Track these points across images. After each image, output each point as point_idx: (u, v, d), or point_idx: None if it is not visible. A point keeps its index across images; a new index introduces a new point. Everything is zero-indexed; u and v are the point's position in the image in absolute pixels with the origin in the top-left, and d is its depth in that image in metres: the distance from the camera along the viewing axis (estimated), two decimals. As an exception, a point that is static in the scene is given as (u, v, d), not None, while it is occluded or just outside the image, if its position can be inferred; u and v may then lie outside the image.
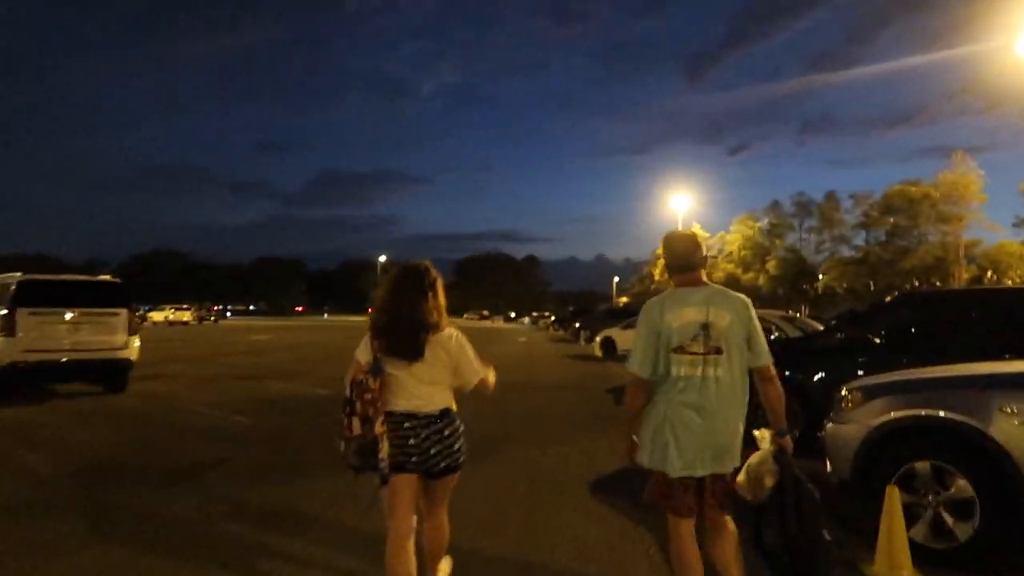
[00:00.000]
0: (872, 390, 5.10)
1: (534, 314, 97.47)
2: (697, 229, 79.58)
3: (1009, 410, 4.37)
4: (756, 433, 3.38)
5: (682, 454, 3.11)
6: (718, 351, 3.11)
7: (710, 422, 3.10)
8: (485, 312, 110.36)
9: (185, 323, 61.26)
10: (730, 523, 3.29)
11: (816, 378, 7.98)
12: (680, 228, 73.03)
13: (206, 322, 67.10)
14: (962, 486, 4.46)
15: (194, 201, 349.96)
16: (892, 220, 63.49)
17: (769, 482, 3.24)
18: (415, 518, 3.44)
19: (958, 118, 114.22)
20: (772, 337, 13.87)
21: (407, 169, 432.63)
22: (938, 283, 60.37)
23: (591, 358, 24.02)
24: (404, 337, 3.22)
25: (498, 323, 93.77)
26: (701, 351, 3.11)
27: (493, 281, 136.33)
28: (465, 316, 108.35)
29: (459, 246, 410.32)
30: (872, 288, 62.37)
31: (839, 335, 8.40)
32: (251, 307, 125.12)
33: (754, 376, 3.26)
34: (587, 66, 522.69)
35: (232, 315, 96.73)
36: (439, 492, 3.49)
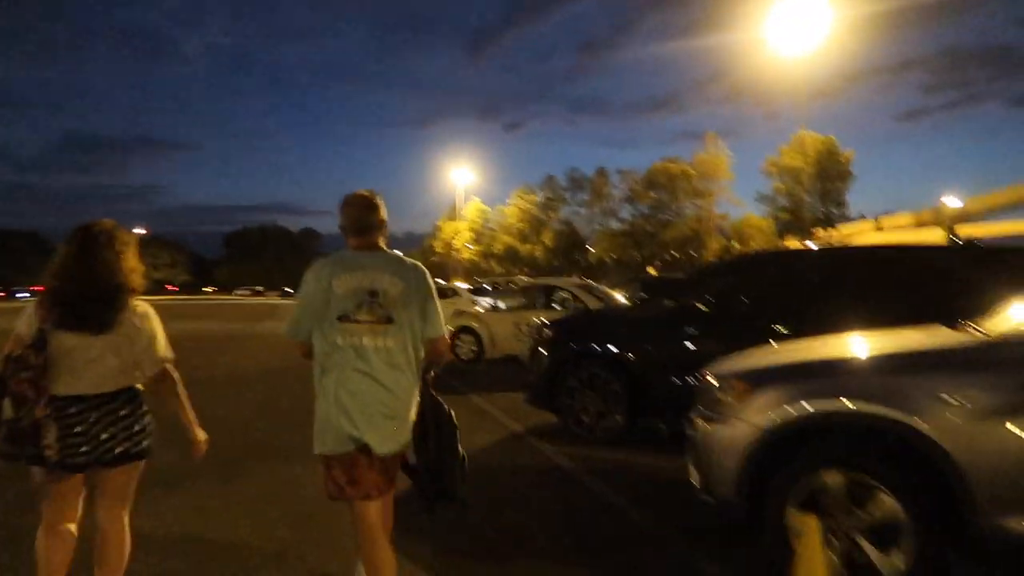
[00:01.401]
0: (759, 376, 3.79)
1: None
2: (477, 203, 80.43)
3: (952, 399, 3.19)
4: None
5: (356, 422, 2.84)
6: (388, 320, 2.88)
7: (379, 391, 2.86)
8: (259, 288, 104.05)
9: None
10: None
11: (638, 354, 6.79)
12: (459, 202, 72.19)
13: None
14: (888, 505, 3.25)
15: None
16: (654, 195, 67.42)
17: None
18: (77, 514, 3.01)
19: (706, 106, 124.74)
20: (572, 308, 12.85)
21: (171, 135, 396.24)
22: (693, 253, 65.34)
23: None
24: (95, 306, 2.84)
25: (273, 298, 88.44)
26: (368, 319, 2.86)
27: (268, 255, 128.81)
28: (235, 292, 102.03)
29: (231, 218, 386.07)
30: (640, 259, 65.81)
31: (668, 303, 7.22)
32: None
33: (427, 348, 3.06)
34: (368, 36, 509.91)
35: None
36: (117, 486, 3.01)
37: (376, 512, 2.93)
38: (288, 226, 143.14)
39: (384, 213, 3.07)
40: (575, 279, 14.92)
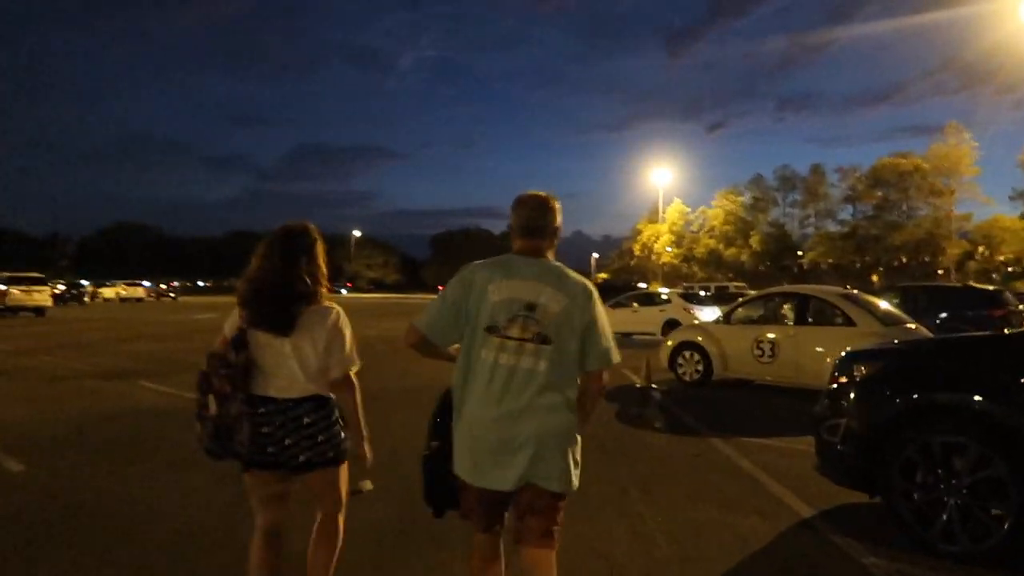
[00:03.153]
0: None
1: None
2: (679, 204, 76.99)
3: None
4: None
5: (475, 456, 2.49)
6: (543, 340, 2.47)
7: (514, 423, 2.45)
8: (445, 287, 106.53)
9: (139, 299, 56.69)
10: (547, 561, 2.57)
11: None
12: (660, 204, 69.25)
13: (164, 298, 62.99)
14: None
15: (167, 176, 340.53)
16: (880, 194, 60.61)
17: None
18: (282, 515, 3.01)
19: (934, 96, 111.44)
20: (847, 324, 9.84)
21: (385, 144, 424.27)
22: (927, 259, 57.58)
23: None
24: (269, 307, 2.79)
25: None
26: (520, 336, 2.45)
27: (470, 256, 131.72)
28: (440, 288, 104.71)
29: (437, 222, 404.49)
30: (860, 265, 59.28)
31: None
32: (225, 283, 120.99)
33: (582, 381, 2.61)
34: (566, 41, 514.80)
35: (191, 290, 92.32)
36: (318, 489, 2.99)
37: (488, 547, 2.63)
38: (490, 228, 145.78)
39: (559, 219, 2.69)
40: (835, 288, 11.66)
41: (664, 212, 73.90)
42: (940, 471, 4.21)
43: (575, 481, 2.60)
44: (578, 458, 2.63)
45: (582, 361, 2.56)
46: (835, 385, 5.01)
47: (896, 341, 5.54)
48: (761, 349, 10.45)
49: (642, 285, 49.52)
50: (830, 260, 63.28)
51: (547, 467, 2.51)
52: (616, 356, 2.60)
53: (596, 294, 2.60)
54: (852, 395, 4.74)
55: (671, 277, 67.36)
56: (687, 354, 11.38)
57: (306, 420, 2.82)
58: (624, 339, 20.88)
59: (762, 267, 68.84)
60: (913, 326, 10.01)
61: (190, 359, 14.45)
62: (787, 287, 13.64)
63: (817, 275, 64.13)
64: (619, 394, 10.51)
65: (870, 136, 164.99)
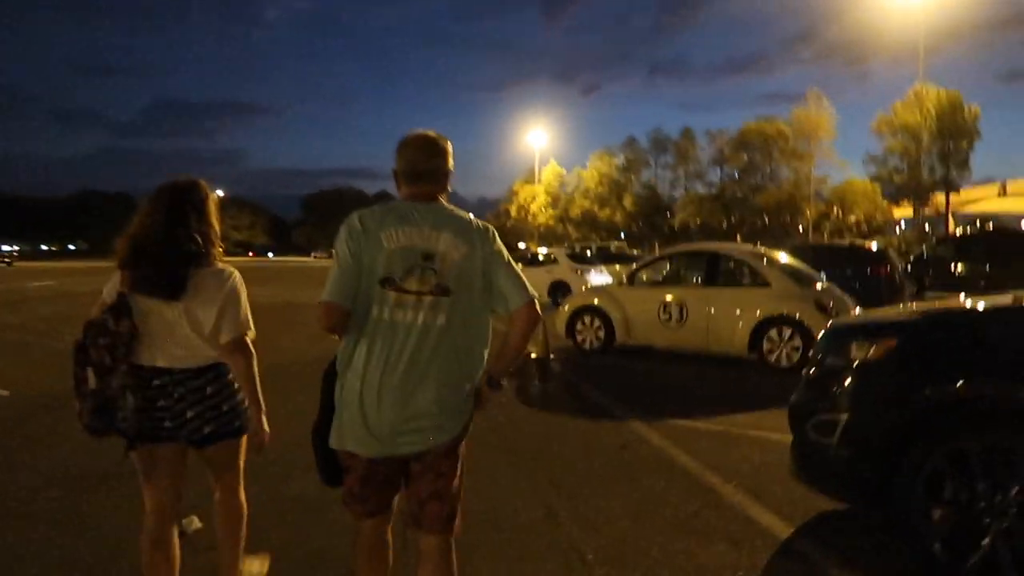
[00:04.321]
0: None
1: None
2: (554, 166, 76.68)
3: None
4: None
5: (367, 425, 2.20)
6: (444, 292, 2.21)
7: (415, 386, 2.19)
8: (334, 250, 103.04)
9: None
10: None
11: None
12: (536, 165, 68.79)
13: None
14: None
15: (8, 129, 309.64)
16: (746, 157, 62.51)
17: None
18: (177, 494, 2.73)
19: (793, 67, 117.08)
20: (760, 285, 8.93)
21: (255, 100, 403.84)
22: (788, 219, 59.98)
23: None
24: (154, 269, 2.55)
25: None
26: (419, 288, 2.19)
27: (343, 218, 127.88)
28: (313, 255, 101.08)
29: (310, 182, 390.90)
30: (727, 225, 61.10)
31: None
32: (71, 247, 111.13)
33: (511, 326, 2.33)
34: (445, 0, 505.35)
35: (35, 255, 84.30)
36: (217, 463, 2.77)
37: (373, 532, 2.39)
38: (365, 189, 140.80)
39: (450, 162, 2.37)
40: (746, 246, 10.71)
41: (540, 174, 73.49)
42: (980, 485, 3.12)
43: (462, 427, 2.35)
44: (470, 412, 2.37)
45: (499, 305, 2.33)
46: (818, 369, 3.84)
47: (913, 308, 4.38)
48: (668, 313, 9.43)
49: (521, 246, 48.81)
50: (699, 220, 64.82)
51: (447, 431, 2.29)
52: (533, 290, 2.35)
53: (495, 233, 2.37)
54: (852, 383, 3.56)
55: (547, 238, 67.34)
56: (586, 319, 10.22)
57: (209, 390, 2.65)
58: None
59: (635, 227, 70.03)
60: (827, 285, 9.27)
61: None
62: (695, 244, 12.71)
63: (687, 235, 65.85)
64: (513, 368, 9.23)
65: (734, 103, 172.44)
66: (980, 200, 50.05)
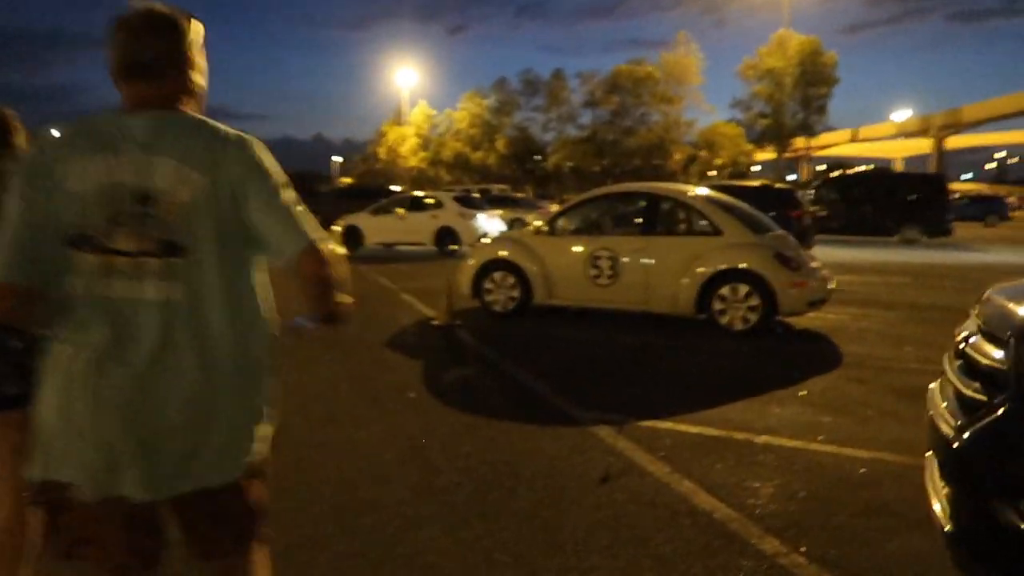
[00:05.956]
0: None
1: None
2: (424, 107, 73.62)
3: None
4: None
5: (89, 453, 1.47)
6: (172, 250, 1.48)
7: (145, 394, 1.46)
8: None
9: None
10: None
11: None
12: (405, 106, 66.19)
13: None
14: None
15: None
16: (617, 99, 62.08)
17: None
18: None
19: (655, 12, 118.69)
20: (710, 234, 7.38)
21: (90, 30, 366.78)
22: (659, 162, 60.35)
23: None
24: None
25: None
26: (133, 248, 1.47)
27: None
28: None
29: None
30: (600, 168, 60.83)
31: None
32: None
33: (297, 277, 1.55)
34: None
35: None
36: (15, 434, 2.12)
37: None
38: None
39: (193, 49, 1.62)
40: (689, 187, 8.90)
41: (409, 115, 70.68)
42: None
43: (257, 453, 1.61)
44: (263, 431, 1.62)
45: (268, 254, 1.58)
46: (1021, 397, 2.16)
47: None
48: (598, 267, 7.72)
49: (396, 188, 46.09)
50: (571, 164, 64.24)
51: (211, 456, 1.54)
52: (321, 231, 1.56)
53: (258, 149, 1.57)
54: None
55: (419, 181, 65.13)
56: (497, 276, 8.34)
57: (13, 344, 2.22)
58: (389, 252, 17.52)
59: (508, 170, 68.82)
60: (782, 232, 7.85)
61: None
62: (630, 185, 10.95)
63: (559, 178, 65.25)
64: (414, 339, 7.25)
65: (599, 47, 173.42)
66: (834, 145, 52.11)
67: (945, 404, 2.54)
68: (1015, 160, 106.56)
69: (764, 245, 7.22)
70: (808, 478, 3.66)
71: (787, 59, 46.35)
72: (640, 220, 7.93)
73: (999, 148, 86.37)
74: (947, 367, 2.70)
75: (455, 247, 16.51)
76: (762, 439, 4.23)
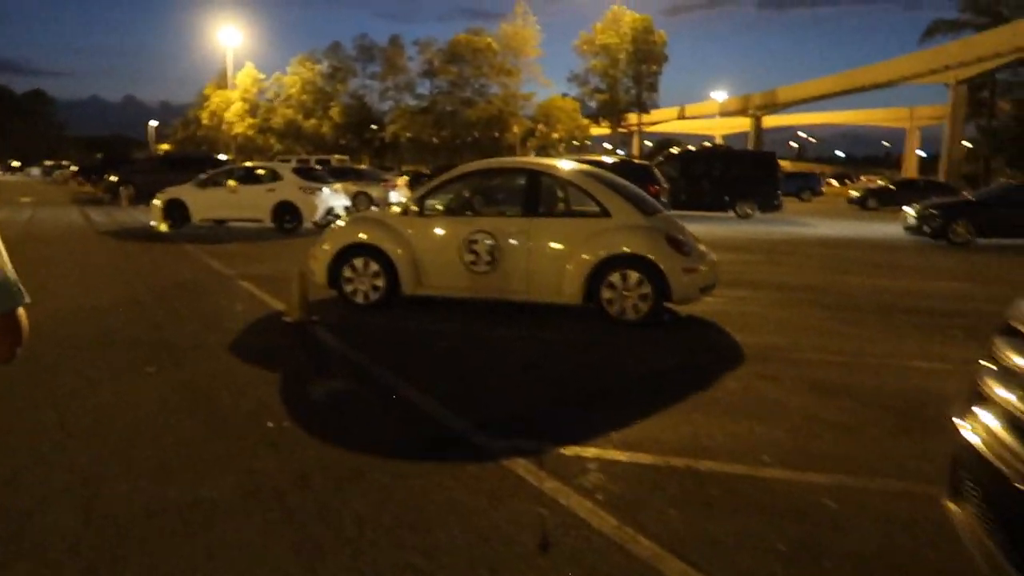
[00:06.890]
0: None
1: (48, 163, 75.12)
2: (251, 70, 68.53)
3: None
4: None
5: None
6: None
7: None
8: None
9: None
10: None
11: None
12: (229, 68, 61.91)
13: None
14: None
15: None
16: (456, 70, 60.99)
17: None
18: None
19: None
20: (598, 215, 6.68)
21: None
22: (497, 135, 60.03)
23: (147, 235, 14.61)
24: None
25: (-6, 175, 71.00)
26: None
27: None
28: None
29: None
30: (439, 140, 59.65)
31: None
32: None
33: None
34: None
35: None
36: None
37: None
38: (12, 87, 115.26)
39: None
40: (572, 164, 8.03)
41: (234, 78, 65.69)
42: None
43: None
44: None
45: None
46: None
47: None
48: (475, 252, 6.85)
49: (222, 157, 42.44)
50: (409, 134, 62.49)
51: None
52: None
53: None
54: None
55: (247, 149, 60.82)
56: (358, 263, 7.23)
57: None
58: (221, 229, 15.63)
59: (343, 140, 65.90)
60: (669, 214, 7.33)
61: None
62: (507, 160, 10.02)
63: (397, 149, 63.46)
64: (262, 341, 6.06)
65: (434, 15, 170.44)
66: (664, 122, 54.23)
67: (996, 435, 2.00)
68: (815, 141, 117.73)
69: (655, 228, 6.65)
70: (774, 519, 3.03)
71: (621, 36, 47.39)
72: (519, 200, 7.12)
73: (803, 128, 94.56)
74: (998, 393, 2.13)
75: (294, 224, 15.01)
76: (704, 466, 3.59)
